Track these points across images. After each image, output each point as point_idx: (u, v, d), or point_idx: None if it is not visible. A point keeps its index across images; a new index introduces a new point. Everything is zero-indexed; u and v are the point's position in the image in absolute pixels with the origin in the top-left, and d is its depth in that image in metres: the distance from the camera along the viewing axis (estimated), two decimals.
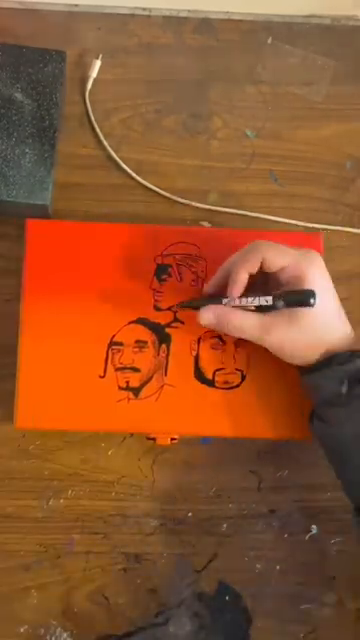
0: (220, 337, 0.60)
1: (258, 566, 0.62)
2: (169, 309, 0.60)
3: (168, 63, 0.71)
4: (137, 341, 0.59)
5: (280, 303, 0.51)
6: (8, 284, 0.64)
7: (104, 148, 0.68)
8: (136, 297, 0.60)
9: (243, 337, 0.54)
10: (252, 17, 0.72)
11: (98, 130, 0.68)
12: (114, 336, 0.59)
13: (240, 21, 0.72)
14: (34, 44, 0.66)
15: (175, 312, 0.59)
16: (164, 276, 0.60)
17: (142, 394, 0.59)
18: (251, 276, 0.54)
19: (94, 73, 0.69)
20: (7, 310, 0.63)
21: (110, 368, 0.59)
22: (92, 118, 0.69)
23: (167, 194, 0.67)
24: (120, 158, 0.68)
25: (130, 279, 0.60)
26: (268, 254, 0.52)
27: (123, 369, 0.59)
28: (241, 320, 0.53)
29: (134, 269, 0.60)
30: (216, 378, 0.59)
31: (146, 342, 0.59)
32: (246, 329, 0.53)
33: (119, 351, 0.59)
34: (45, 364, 0.58)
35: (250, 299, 0.53)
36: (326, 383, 0.53)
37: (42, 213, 0.64)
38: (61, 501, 0.62)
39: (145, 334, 0.59)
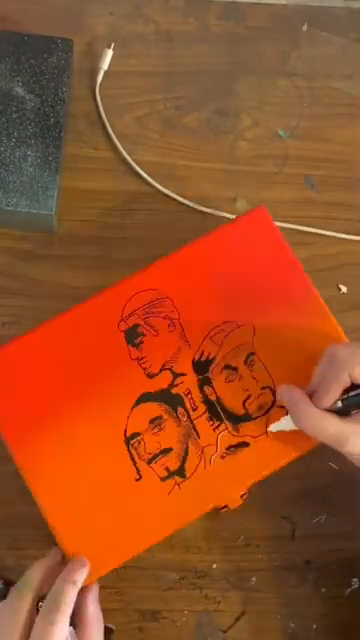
0: (229, 366, 0.58)
1: (292, 625, 0.60)
2: (163, 369, 0.57)
3: (190, 53, 0.71)
4: (151, 421, 0.56)
5: (339, 406, 0.51)
6: (8, 304, 0.63)
7: (116, 150, 0.67)
8: (124, 377, 0.57)
9: (317, 438, 0.53)
10: (285, 0, 0.73)
11: (110, 129, 0.68)
12: (126, 430, 0.56)
13: (272, 5, 0.72)
14: (37, 31, 0.65)
15: (171, 368, 0.57)
16: (137, 339, 0.57)
17: (188, 471, 0.56)
18: None
19: (105, 65, 0.68)
20: (8, 334, 0.62)
21: (141, 465, 0.55)
22: (103, 116, 0.68)
23: (188, 202, 0.67)
24: (134, 161, 0.67)
25: (107, 363, 0.57)
26: (354, 371, 0.51)
27: (155, 458, 0.56)
28: (317, 420, 0.52)
29: (104, 350, 0.57)
30: (248, 409, 0.57)
31: (161, 417, 0.56)
32: (321, 431, 0.52)
33: (140, 442, 0.56)
34: (72, 504, 0.55)
35: (343, 402, 0.52)
36: None
37: (46, 224, 0.63)
38: None
39: (155, 409, 0.56)
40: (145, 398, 0.56)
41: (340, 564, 0.60)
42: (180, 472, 0.56)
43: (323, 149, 0.69)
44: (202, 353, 0.57)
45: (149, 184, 0.66)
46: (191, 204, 0.66)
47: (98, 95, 0.68)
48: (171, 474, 0.55)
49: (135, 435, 0.56)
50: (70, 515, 0.55)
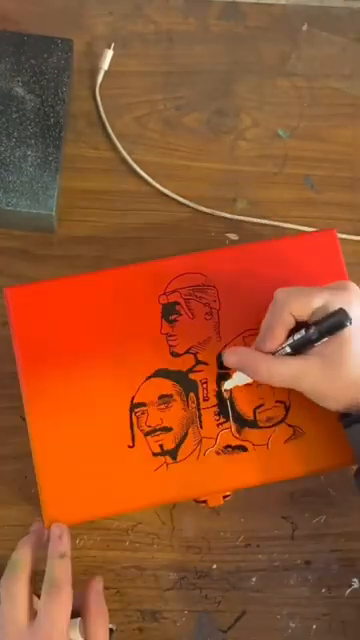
0: None
1: (292, 625, 0.60)
2: (188, 352, 0.57)
3: (190, 53, 0.70)
4: (161, 397, 0.56)
5: (314, 334, 0.50)
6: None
7: (116, 150, 0.67)
8: (148, 347, 0.57)
9: (274, 385, 0.53)
10: (285, 0, 0.72)
11: (110, 129, 0.67)
12: (134, 397, 0.56)
13: (272, 5, 0.72)
14: (37, 31, 0.65)
15: (195, 354, 0.57)
16: (173, 316, 0.58)
17: (180, 455, 0.56)
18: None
19: (105, 65, 0.68)
20: (6, 334, 0.60)
21: (138, 434, 0.56)
22: (103, 116, 0.68)
23: (188, 202, 0.66)
24: (134, 161, 0.67)
25: (136, 329, 0.57)
26: (294, 306, 0.52)
27: (153, 432, 0.56)
28: (270, 366, 0.52)
29: (138, 316, 0.57)
30: (258, 417, 0.57)
31: (171, 395, 0.56)
32: (276, 375, 0.52)
33: (144, 413, 0.56)
34: (64, 448, 0.55)
35: (289, 342, 0.52)
36: None
37: (46, 224, 0.63)
38: None
39: (168, 387, 0.56)
40: (161, 373, 0.57)
41: (340, 564, 0.60)
42: (172, 454, 0.56)
43: (323, 149, 0.69)
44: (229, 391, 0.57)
45: (149, 184, 0.66)
46: (191, 204, 0.66)
47: (98, 95, 0.67)
48: (163, 452, 0.56)
49: (141, 405, 0.56)
50: (58, 456, 0.55)
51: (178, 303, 0.58)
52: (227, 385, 0.56)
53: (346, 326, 0.49)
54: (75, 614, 0.50)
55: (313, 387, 0.52)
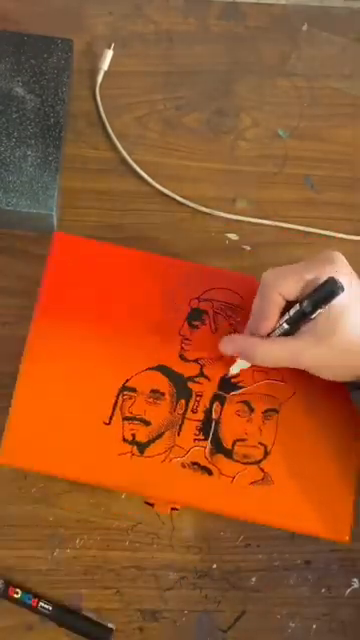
0: (249, 404, 0.57)
1: (292, 625, 0.59)
2: (196, 361, 0.57)
3: (190, 53, 0.70)
4: (153, 391, 0.57)
5: (308, 307, 0.51)
6: (7, 304, 0.63)
7: (116, 150, 0.67)
8: (161, 341, 0.57)
9: (276, 366, 0.54)
10: (285, 0, 0.72)
11: (110, 129, 0.67)
12: (128, 380, 0.57)
13: (271, 5, 0.72)
14: (37, 31, 0.65)
15: (202, 365, 0.57)
16: (197, 322, 0.58)
17: (148, 452, 0.56)
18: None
19: (105, 65, 0.68)
20: (8, 334, 0.62)
21: (117, 415, 0.56)
22: (103, 116, 0.68)
23: (188, 202, 0.66)
24: (134, 161, 0.67)
25: (158, 319, 0.58)
26: (282, 287, 0.52)
27: (132, 419, 0.56)
28: (268, 348, 0.53)
29: (164, 308, 0.58)
30: (235, 449, 0.57)
31: (163, 394, 0.57)
32: (274, 357, 0.53)
33: (131, 398, 0.56)
34: (45, 397, 0.56)
35: (283, 322, 0.53)
36: None
37: (46, 224, 0.63)
38: (68, 551, 0.59)
39: (163, 384, 0.57)
40: (163, 370, 0.57)
41: (340, 564, 0.60)
42: (141, 447, 0.56)
43: (323, 149, 0.68)
44: (237, 376, 0.57)
45: (149, 184, 0.66)
46: (191, 204, 0.66)
47: (98, 95, 0.67)
48: (133, 442, 0.56)
49: (131, 390, 0.57)
50: (37, 402, 0.56)
51: (206, 312, 0.58)
52: (233, 370, 0.56)
53: (338, 294, 0.49)
54: None
55: (310, 364, 0.53)
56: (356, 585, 0.60)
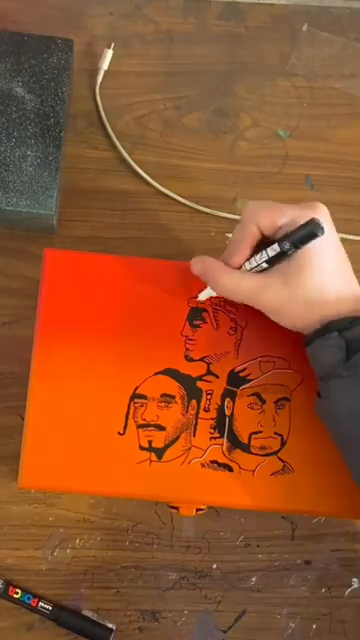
0: (260, 395, 0.57)
1: (292, 625, 0.60)
2: (202, 360, 0.57)
3: (190, 53, 0.70)
4: (163, 395, 0.56)
5: (286, 245, 0.49)
6: (7, 304, 0.63)
7: (116, 150, 0.67)
8: (165, 344, 0.57)
9: (235, 299, 0.54)
10: (285, 0, 0.72)
11: (110, 129, 0.67)
12: (137, 388, 0.56)
13: (272, 5, 0.72)
14: (37, 31, 0.65)
15: (209, 364, 0.56)
16: (198, 321, 0.57)
17: (166, 456, 0.55)
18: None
19: (105, 64, 0.68)
20: (8, 334, 0.62)
21: (131, 424, 0.56)
22: (103, 116, 0.68)
23: (188, 202, 0.66)
24: (135, 161, 0.67)
25: (159, 323, 0.57)
26: (261, 220, 0.52)
27: (146, 426, 0.56)
28: (232, 279, 0.52)
29: (164, 311, 0.57)
30: (252, 442, 0.56)
31: (174, 397, 0.56)
32: (235, 286, 0.52)
33: (142, 405, 0.56)
34: (57, 417, 0.56)
35: (257, 257, 0.52)
36: (323, 353, 0.51)
37: (46, 224, 0.63)
38: (68, 551, 0.60)
39: (173, 387, 0.56)
40: (170, 373, 0.57)
41: (340, 564, 0.60)
42: (159, 452, 0.55)
43: (323, 149, 0.68)
44: (244, 369, 0.57)
45: (149, 184, 0.66)
46: (191, 204, 0.66)
47: (98, 95, 0.67)
48: (150, 449, 0.55)
49: (142, 397, 0.56)
50: (49, 422, 0.55)
51: (206, 310, 0.57)
52: (201, 296, 0.55)
53: (318, 235, 0.49)
54: None
55: (271, 304, 0.52)
56: (356, 585, 0.60)
